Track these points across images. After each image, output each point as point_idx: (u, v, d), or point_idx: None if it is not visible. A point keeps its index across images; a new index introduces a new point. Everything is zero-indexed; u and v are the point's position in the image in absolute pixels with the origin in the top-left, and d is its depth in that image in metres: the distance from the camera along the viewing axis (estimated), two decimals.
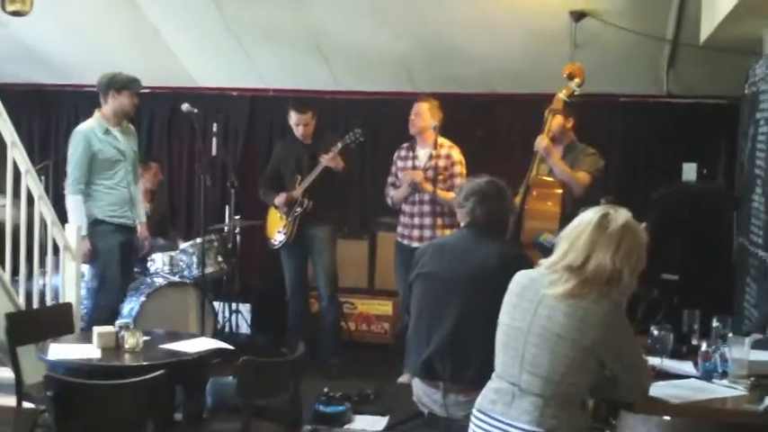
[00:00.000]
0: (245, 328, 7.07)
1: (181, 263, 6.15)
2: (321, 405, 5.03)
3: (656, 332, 3.51)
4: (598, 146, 5.42)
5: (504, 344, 2.84)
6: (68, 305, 4.77)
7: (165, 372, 3.27)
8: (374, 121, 7.01)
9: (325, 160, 5.86)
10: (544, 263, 2.83)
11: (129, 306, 5.54)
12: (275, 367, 3.78)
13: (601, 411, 3.21)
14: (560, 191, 5.10)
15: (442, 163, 5.67)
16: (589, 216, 2.75)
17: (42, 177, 6.28)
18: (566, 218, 4.03)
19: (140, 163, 5.88)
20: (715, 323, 3.50)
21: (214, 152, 6.98)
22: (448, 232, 5.44)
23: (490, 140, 6.75)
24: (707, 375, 3.21)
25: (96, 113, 5.35)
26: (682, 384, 3.13)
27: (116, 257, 5.29)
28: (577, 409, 2.75)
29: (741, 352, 3.19)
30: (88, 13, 6.29)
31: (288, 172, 6.10)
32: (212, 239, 6.19)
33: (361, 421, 5.11)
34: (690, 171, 6.17)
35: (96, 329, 4.02)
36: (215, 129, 6.95)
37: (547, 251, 3.02)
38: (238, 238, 7.00)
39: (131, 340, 3.93)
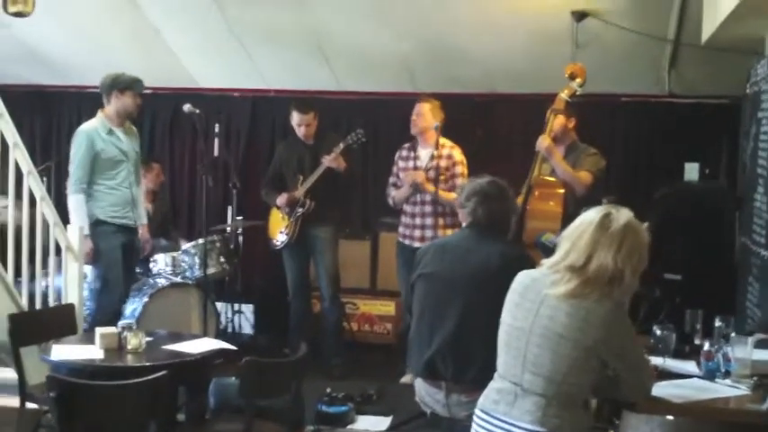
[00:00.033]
0: (247, 329, 7.08)
1: (183, 263, 6.15)
2: (324, 405, 5.03)
3: (658, 332, 3.51)
4: (600, 146, 5.42)
5: (506, 344, 2.84)
6: (71, 306, 4.77)
7: (167, 372, 3.27)
8: (376, 122, 7.01)
9: (328, 161, 5.87)
10: (546, 263, 2.83)
11: (132, 307, 5.54)
12: (278, 368, 3.79)
13: (604, 411, 3.21)
14: (562, 191, 5.09)
15: (443, 163, 5.67)
16: (591, 216, 2.75)
17: (44, 178, 6.30)
18: (568, 218, 4.02)
19: (142, 164, 5.88)
20: (718, 323, 3.51)
21: (216, 153, 7.00)
22: (449, 232, 5.45)
23: (491, 141, 6.75)
24: (710, 375, 3.21)
25: (99, 114, 5.35)
26: (684, 384, 3.13)
27: (118, 258, 5.30)
28: (580, 409, 2.75)
29: (744, 351, 3.19)
30: (90, 13, 6.30)
31: (290, 172, 6.11)
32: (214, 240, 6.19)
33: (363, 421, 5.11)
34: (692, 171, 6.17)
35: (99, 330, 4.02)
36: (217, 129, 6.96)
37: (549, 251, 3.02)
38: (240, 238, 7.02)
39: (134, 341, 3.93)
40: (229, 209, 7.00)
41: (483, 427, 2.84)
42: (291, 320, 6.23)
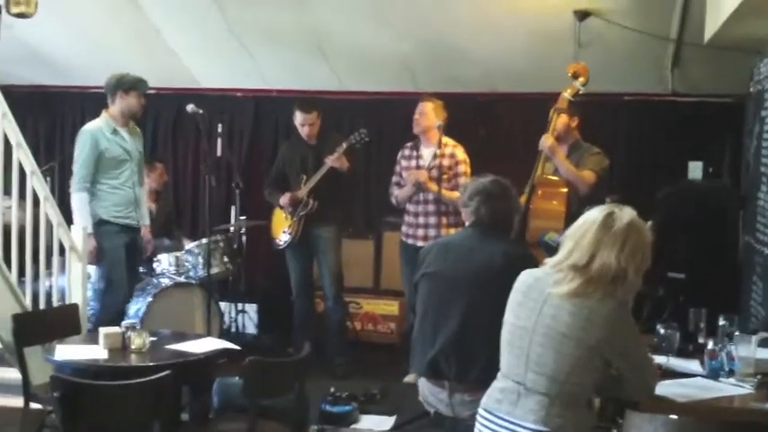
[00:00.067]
0: (251, 329, 7.08)
1: (187, 263, 6.15)
2: (327, 405, 5.03)
3: (662, 331, 3.51)
4: (603, 145, 5.41)
5: (509, 343, 2.84)
6: (75, 306, 4.78)
7: (171, 372, 3.27)
8: (378, 122, 7.01)
9: (331, 161, 5.87)
10: (549, 262, 2.83)
11: (136, 307, 5.55)
12: (281, 367, 3.79)
13: (607, 411, 3.20)
14: (565, 190, 5.09)
15: (446, 162, 5.67)
16: (594, 215, 2.75)
17: (48, 179, 6.31)
18: (571, 217, 4.02)
19: (145, 164, 5.89)
20: (721, 321, 3.50)
21: (219, 153, 7.01)
22: (453, 231, 5.44)
23: (494, 140, 6.75)
24: (713, 374, 3.21)
25: (104, 113, 5.37)
26: (688, 383, 3.13)
27: (122, 258, 5.31)
28: (583, 409, 2.75)
29: (748, 350, 3.19)
30: (91, 14, 6.30)
31: (293, 172, 6.11)
32: (218, 240, 6.20)
33: (367, 421, 5.11)
34: (696, 169, 6.17)
35: (102, 330, 4.02)
36: (220, 129, 6.97)
37: (552, 250, 3.02)
38: (244, 238, 7.02)
39: (138, 341, 3.93)
40: (233, 209, 7.00)
41: (486, 427, 2.84)
42: (295, 320, 6.23)
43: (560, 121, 5.20)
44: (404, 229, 5.87)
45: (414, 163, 5.82)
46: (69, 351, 3.95)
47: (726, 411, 2.95)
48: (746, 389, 3.07)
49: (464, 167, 5.70)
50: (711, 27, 4.77)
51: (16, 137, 5.00)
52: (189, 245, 6.32)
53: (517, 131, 6.72)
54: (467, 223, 3.74)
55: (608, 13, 5.52)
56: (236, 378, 4.03)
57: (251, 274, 7.06)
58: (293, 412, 3.89)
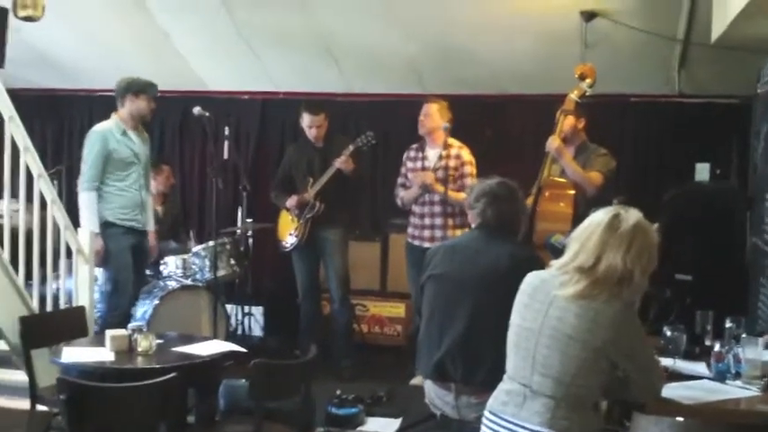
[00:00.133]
0: (257, 331, 7.09)
1: (193, 266, 6.16)
2: (334, 407, 5.03)
3: (668, 333, 3.50)
4: (609, 146, 5.40)
5: (515, 345, 2.84)
6: (81, 308, 4.78)
7: (177, 374, 3.27)
8: (385, 124, 7.01)
9: (338, 163, 5.87)
10: (555, 264, 2.83)
11: (143, 309, 5.56)
12: (287, 370, 3.79)
13: (614, 413, 3.20)
14: (573, 192, 5.07)
15: (452, 163, 5.67)
16: (600, 217, 2.75)
17: (55, 182, 6.32)
18: (578, 219, 4.00)
19: (152, 166, 5.91)
20: (728, 324, 3.49)
21: (226, 155, 7.01)
22: (459, 232, 5.45)
23: (501, 141, 6.75)
24: (720, 376, 3.20)
25: (114, 116, 5.41)
26: (694, 385, 3.12)
27: (128, 260, 5.32)
28: (589, 411, 2.74)
29: (755, 352, 3.17)
30: (99, 17, 6.33)
31: (299, 175, 6.11)
32: (224, 242, 6.20)
33: (373, 423, 5.10)
34: (703, 171, 6.15)
35: (109, 332, 4.02)
36: (227, 132, 6.97)
37: (558, 252, 3.01)
38: (250, 240, 7.02)
39: (144, 343, 3.94)
40: (239, 211, 7.02)
41: (492, 429, 2.84)
42: (301, 322, 6.23)
43: (567, 122, 5.20)
44: (410, 230, 5.87)
45: (419, 164, 5.82)
46: (76, 353, 3.96)
47: (732, 414, 2.93)
48: (753, 391, 3.06)
49: (470, 168, 5.70)
50: (718, 27, 4.76)
51: (24, 140, 5.01)
52: (196, 247, 6.32)
53: (524, 133, 6.72)
54: (473, 225, 3.73)
55: (615, 14, 5.52)
56: (243, 380, 4.05)
57: (257, 277, 7.07)
58: (299, 415, 3.89)
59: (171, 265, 6.16)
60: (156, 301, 5.60)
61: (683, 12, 5.43)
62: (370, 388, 5.49)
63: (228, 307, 6.38)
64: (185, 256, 6.20)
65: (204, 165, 7.33)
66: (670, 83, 6.37)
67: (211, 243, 6.02)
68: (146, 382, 3.28)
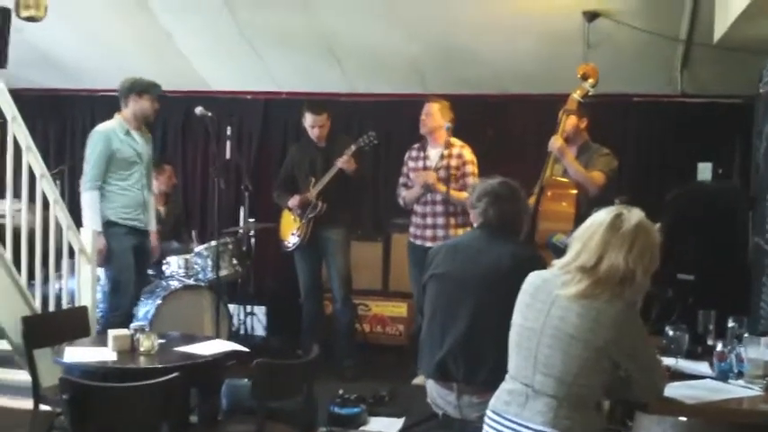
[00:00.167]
0: (259, 331, 7.10)
1: (196, 266, 6.16)
2: (336, 407, 5.03)
3: (671, 332, 3.50)
4: (612, 146, 5.40)
5: (517, 344, 2.84)
6: (84, 308, 4.79)
7: (180, 374, 3.27)
8: (387, 124, 7.02)
9: (340, 162, 5.87)
10: (557, 263, 2.82)
11: (145, 309, 5.56)
12: (290, 369, 3.79)
13: (617, 413, 3.20)
14: (575, 191, 5.07)
15: (453, 162, 5.67)
16: (602, 216, 2.75)
17: (57, 182, 6.34)
18: (580, 218, 4.00)
19: (154, 166, 5.91)
20: (730, 323, 3.49)
21: (228, 155, 7.01)
22: (461, 232, 5.45)
23: (503, 141, 6.75)
24: (722, 376, 3.20)
25: (117, 116, 5.41)
26: (697, 385, 3.12)
27: (130, 260, 5.32)
28: (591, 411, 2.74)
29: (757, 352, 3.17)
30: (101, 17, 6.33)
31: (302, 175, 6.12)
32: (227, 242, 6.20)
33: (376, 423, 5.11)
34: (705, 171, 6.15)
35: (111, 332, 4.03)
36: (229, 132, 6.98)
37: (560, 252, 3.01)
38: (253, 240, 7.03)
39: (146, 343, 3.94)
40: (241, 211, 7.03)
41: (494, 429, 2.84)
42: (303, 322, 6.23)
43: (569, 122, 5.20)
44: (412, 230, 5.87)
45: (420, 164, 5.82)
46: (78, 353, 3.96)
47: (735, 413, 2.93)
48: (756, 391, 3.06)
49: (472, 168, 5.70)
50: (721, 28, 4.76)
51: (26, 140, 5.02)
52: (198, 247, 6.33)
53: (526, 133, 6.73)
54: (475, 225, 3.73)
55: (617, 14, 5.52)
56: (245, 380, 4.05)
57: (260, 277, 7.07)
58: (302, 414, 3.89)
59: (173, 264, 6.16)
60: (159, 301, 5.60)
61: (685, 12, 5.43)
62: (372, 387, 5.49)
63: (231, 307, 6.38)
64: (188, 256, 6.21)
65: (206, 165, 7.33)
66: (672, 83, 6.36)
67: (214, 243, 6.03)
68: (148, 382, 3.28)
